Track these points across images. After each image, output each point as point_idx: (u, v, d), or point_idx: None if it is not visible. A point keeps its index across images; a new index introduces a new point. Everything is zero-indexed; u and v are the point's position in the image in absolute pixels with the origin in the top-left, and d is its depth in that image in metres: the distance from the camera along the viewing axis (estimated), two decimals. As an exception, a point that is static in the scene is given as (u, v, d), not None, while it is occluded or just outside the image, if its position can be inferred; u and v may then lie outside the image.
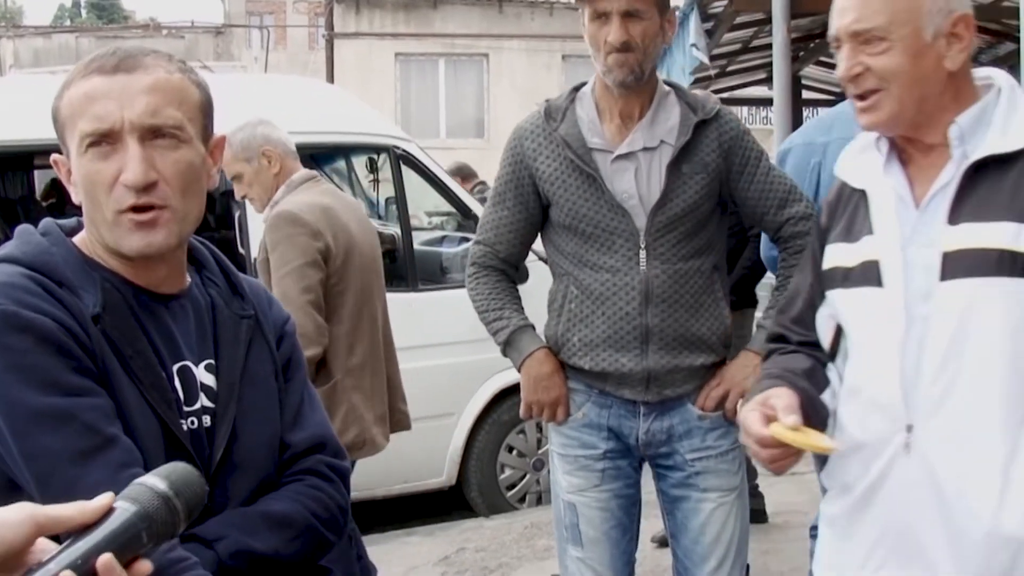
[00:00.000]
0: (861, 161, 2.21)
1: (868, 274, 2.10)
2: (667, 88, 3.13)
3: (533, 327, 3.24)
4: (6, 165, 8.33)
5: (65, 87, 1.72)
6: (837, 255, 2.20)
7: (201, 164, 1.77)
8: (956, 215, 1.98)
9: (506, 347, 3.23)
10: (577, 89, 3.20)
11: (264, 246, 4.01)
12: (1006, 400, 1.93)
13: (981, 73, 2.14)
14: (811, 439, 1.98)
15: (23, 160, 8.35)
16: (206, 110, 1.80)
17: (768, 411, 2.01)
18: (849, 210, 2.20)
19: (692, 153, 3.04)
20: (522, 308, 3.28)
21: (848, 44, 2.06)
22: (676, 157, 3.01)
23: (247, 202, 4.27)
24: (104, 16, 68.90)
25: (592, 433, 3.16)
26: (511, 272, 3.32)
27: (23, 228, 1.79)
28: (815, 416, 2.11)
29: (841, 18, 2.08)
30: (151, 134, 1.68)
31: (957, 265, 1.96)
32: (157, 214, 1.69)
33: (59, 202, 8.35)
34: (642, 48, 2.94)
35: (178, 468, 1.28)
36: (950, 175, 2.01)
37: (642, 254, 3.01)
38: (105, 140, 1.67)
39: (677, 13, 2.99)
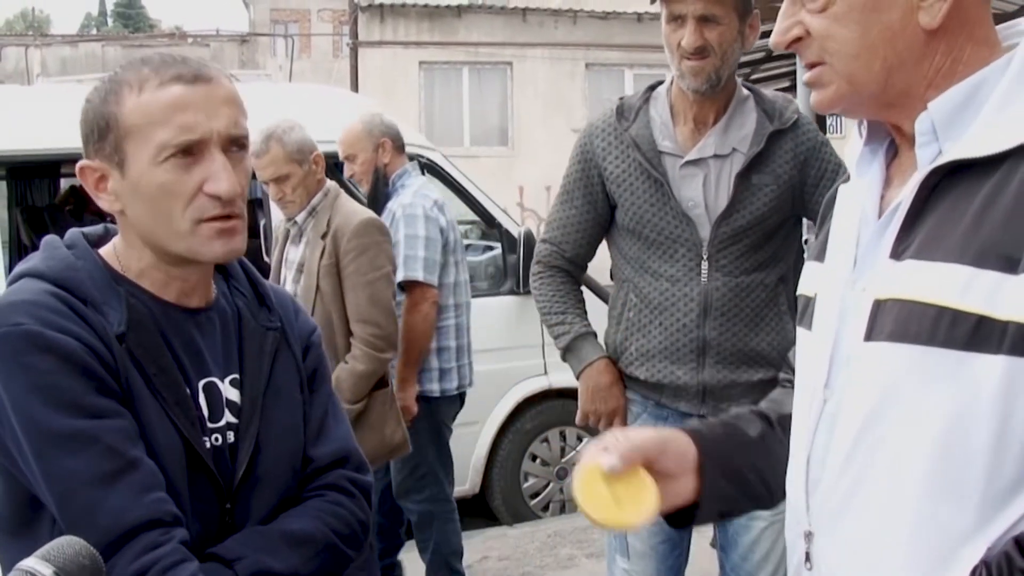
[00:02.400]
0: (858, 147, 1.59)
1: (806, 312, 1.59)
2: (746, 93, 3.05)
3: (595, 334, 3.20)
4: (34, 173, 8.39)
5: (129, 92, 1.66)
6: (806, 277, 1.64)
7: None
8: (901, 245, 1.36)
9: (566, 353, 3.20)
10: (653, 88, 3.12)
11: (333, 251, 4.05)
12: (918, 525, 1.31)
13: (1015, 27, 1.46)
14: (606, 507, 1.46)
15: (50, 168, 8.41)
16: None
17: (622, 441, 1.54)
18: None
19: (764, 163, 2.96)
20: (585, 312, 3.24)
21: None
22: (746, 167, 2.94)
23: (277, 206, 4.24)
24: (130, 25, 69.47)
25: None
26: (576, 273, 3.28)
27: (49, 240, 1.77)
28: (716, 490, 1.62)
29: None
30: (231, 144, 1.69)
31: (885, 321, 1.34)
32: (236, 223, 1.70)
33: (77, 208, 8.40)
34: (719, 54, 2.85)
35: (61, 544, 1.25)
36: (915, 183, 1.38)
37: (704, 265, 2.96)
38: (191, 150, 1.65)
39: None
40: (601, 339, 3.23)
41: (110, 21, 76.85)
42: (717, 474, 1.62)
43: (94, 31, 67.71)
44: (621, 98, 3.16)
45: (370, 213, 4.24)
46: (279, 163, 3.97)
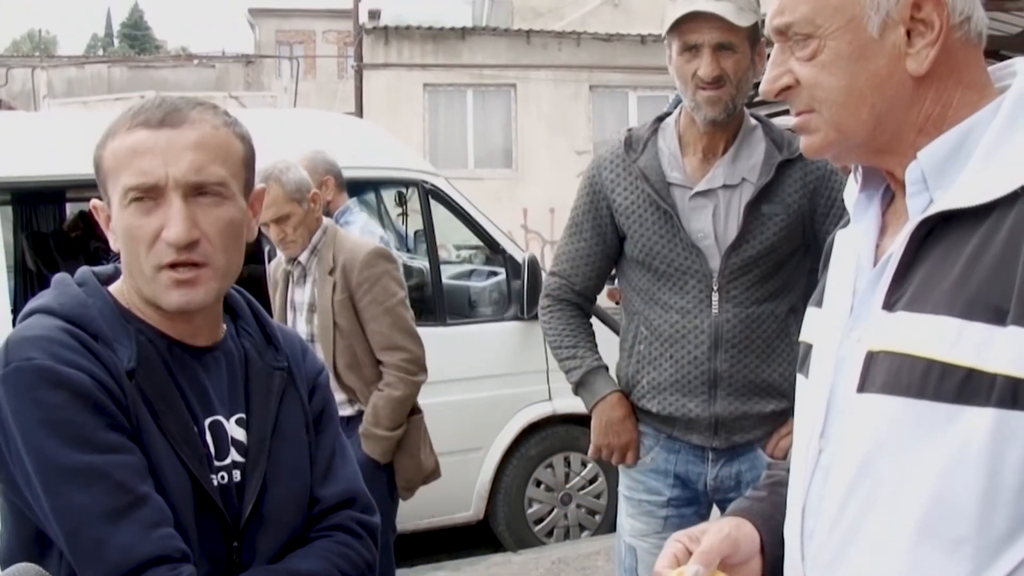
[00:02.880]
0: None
1: (805, 359, 1.58)
2: (754, 123, 3.03)
3: (607, 368, 3.19)
4: (39, 199, 8.42)
5: (109, 136, 1.71)
6: (806, 323, 1.64)
7: (242, 219, 1.76)
8: (893, 296, 1.37)
9: (578, 387, 3.18)
10: (661, 119, 3.11)
11: (344, 286, 4.07)
12: None
13: (1009, 68, 1.45)
14: None
15: (55, 194, 8.44)
16: (249, 163, 1.79)
17: (690, 546, 1.52)
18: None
19: (773, 193, 2.94)
20: (595, 345, 3.23)
21: (777, 46, 1.47)
22: (756, 197, 2.92)
23: (279, 248, 4.21)
24: (136, 45, 69.77)
25: (658, 479, 3.11)
26: (586, 305, 3.28)
27: (60, 278, 1.79)
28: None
29: (769, 12, 1.49)
30: (195, 191, 1.67)
31: (877, 373, 1.35)
32: (198, 272, 1.68)
33: (85, 235, 8.44)
34: (734, 82, 2.84)
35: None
36: (905, 235, 1.38)
37: (714, 296, 2.94)
38: (148, 195, 1.66)
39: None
40: (613, 372, 3.22)
41: (116, 42, 77.18)
42: (776, 549, 1.59)
43: (100, 52, 68.01)
44: (629, 130, 3.15)
45: (373, 243, 4.28)
46: (280, 203, 3.97)
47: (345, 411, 4.13)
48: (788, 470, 1.68)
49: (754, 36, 2.88)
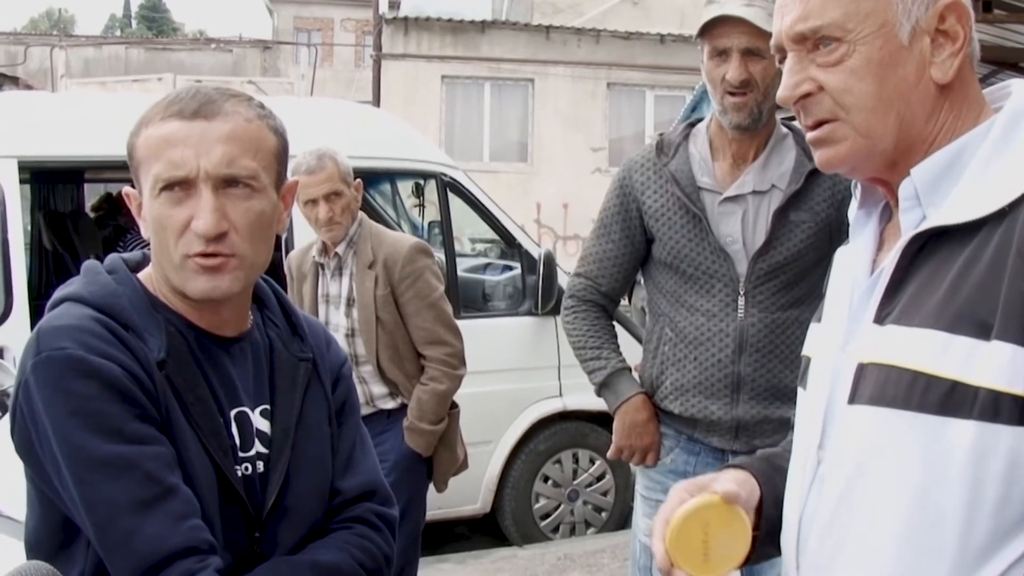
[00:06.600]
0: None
1: (804, 372, 1.60)
2: (784, 131, 3.05)
3: (631, 369, 3.20)
4: (56, 179, 8.45)
5: (143, 125, 1.71)
6: (808, 338, 1.66)
7: (272, 211, 1.76)
8: (884, 310, 1.40)
9: (602, 388, 3.20)
10: (692, 125, 3.13)
11: (386, 281, 4.09)
12: None
13: (1005, 89, 1.49)
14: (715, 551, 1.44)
15: (73, 175, 8.47)
16: (281, 156, 1.79)
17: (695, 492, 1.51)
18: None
19: (802, 201, 2.96)
20: (619, 347, 3.25)
21: (793, 53, 1.48)
22: (784, 204, 2.93)
23: (324, 230, 4.11)
24: (154, 27, 69.82)
25: (676, 480, 3.04)
26: (610, 307, 3.30)
27: (90, 265, 1.79)
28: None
29: (782, 18, 1.50)
30: (225, 183, 1.67)
31: (866, 385, 1.38)
32: (224, 260, 1.69)
33: (108, 214, 8.47)
34: (761, 88, 2.86)
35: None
36: (897, 250, 1.41)
37: (740, 300, 2.96)
38: (179, 186, 1.66)
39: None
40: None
41: (134, 23, 77.30)
42: (772, 510, 1.59)
43: (118, 32, 68.14)
44: (660, 134, 3.18)
45: (413, 238, 4.31)
46: (335, 180, 3.96)
47: (387, 404, 4.19)
48: (785, 448, 1.70)
49: None
